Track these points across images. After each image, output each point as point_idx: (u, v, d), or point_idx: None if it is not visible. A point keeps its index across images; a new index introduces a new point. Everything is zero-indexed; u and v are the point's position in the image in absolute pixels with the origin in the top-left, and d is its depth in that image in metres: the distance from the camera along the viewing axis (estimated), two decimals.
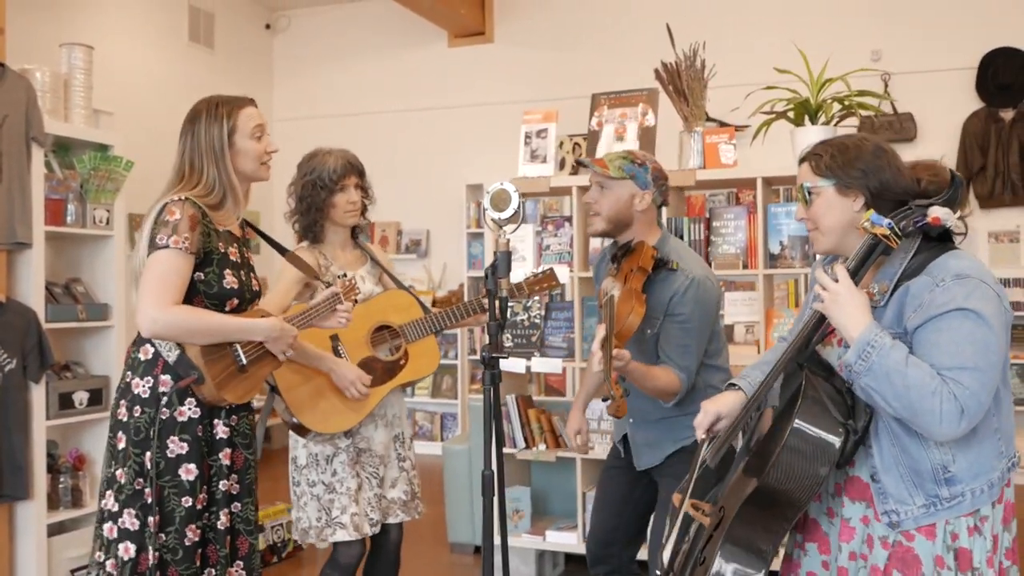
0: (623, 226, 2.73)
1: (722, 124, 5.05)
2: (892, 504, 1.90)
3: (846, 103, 3.89)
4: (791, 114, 3.97)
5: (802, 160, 2.05)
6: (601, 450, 4.05)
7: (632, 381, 2.64)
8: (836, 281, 1.89)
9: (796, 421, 1.87)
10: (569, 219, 4.14)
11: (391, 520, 3.04)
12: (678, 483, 2.21)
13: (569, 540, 4.11)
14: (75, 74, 4.01)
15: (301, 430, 2.88)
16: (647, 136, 4.06)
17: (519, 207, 2.09)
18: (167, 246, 2.31)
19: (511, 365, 4.10)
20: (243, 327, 2.40)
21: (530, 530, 4.20)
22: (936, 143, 6.50)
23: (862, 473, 1.97)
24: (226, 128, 2.42)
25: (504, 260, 2.08)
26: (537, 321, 4.19)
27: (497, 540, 2.18)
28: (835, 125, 3.90)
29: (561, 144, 4.17)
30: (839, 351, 2.00)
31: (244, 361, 2.41)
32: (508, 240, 2.10)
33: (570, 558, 4.56)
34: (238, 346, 2.41)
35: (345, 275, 2.95)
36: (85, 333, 4.09)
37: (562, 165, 4.18)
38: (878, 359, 1.81)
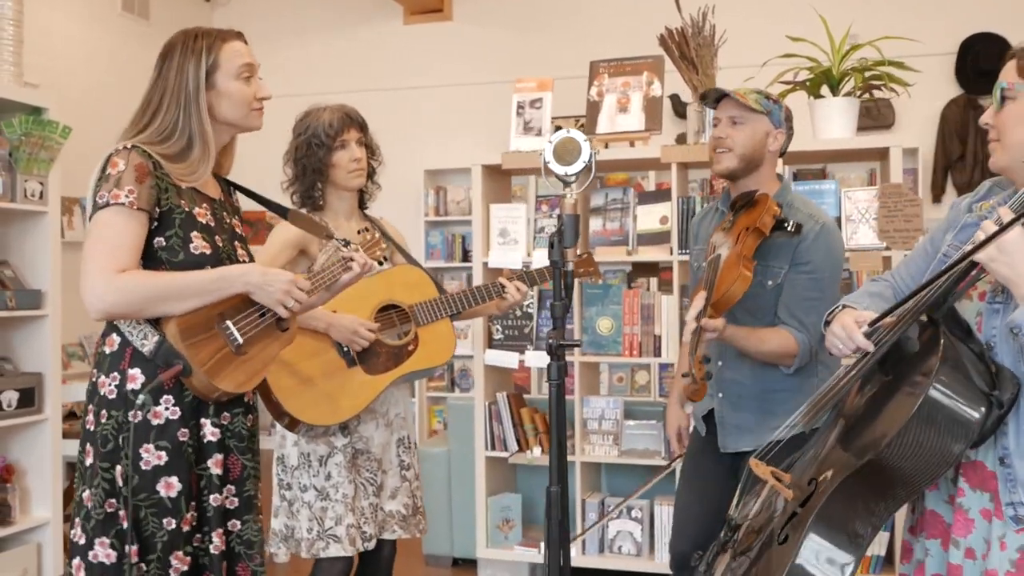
0: (753, 166, 2.47)
1: None
2: (1022, 495, 1.60)
3: (866, 74, 3.59)
4: (809, 84, 3.67)
5: (1011, 56, 1.72)
6: (603, 452, 3.68)
7: (736, 348, 2.36)
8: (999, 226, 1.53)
9: (934, 387, 1.57)
10: None
11: (386, 536, 2.63)
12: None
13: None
14: (4, 26, 3.48)
15: (291, 423, 2.45)
16: (653, 108, 3.70)
17: (590, 159, 1.70)
18: (108, 204, 1.85)
19: (501, 359, 3.72)
20: (214, 277, 1.93)
21: (522, 541, 3.81)
22: (914, 130, 6.31)
23: (987, 457, 1.66)
24: (204, 65, 1.98)
25: (571, 225, 1.69)
26: (530, 311, 3.80)
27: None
28: (859, 97, 3.61)
29: None
30: (979, 306, 1.70)
31: (240, 340, 1.95)
32: (575, 202, 1.71)
33: None
34: (230, 323, 1.94)
35: (348, 243, 2.50)
36: (14, 324, 3.55)
37: None
38: None
